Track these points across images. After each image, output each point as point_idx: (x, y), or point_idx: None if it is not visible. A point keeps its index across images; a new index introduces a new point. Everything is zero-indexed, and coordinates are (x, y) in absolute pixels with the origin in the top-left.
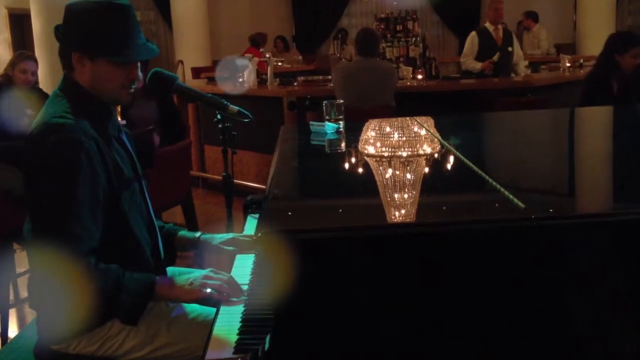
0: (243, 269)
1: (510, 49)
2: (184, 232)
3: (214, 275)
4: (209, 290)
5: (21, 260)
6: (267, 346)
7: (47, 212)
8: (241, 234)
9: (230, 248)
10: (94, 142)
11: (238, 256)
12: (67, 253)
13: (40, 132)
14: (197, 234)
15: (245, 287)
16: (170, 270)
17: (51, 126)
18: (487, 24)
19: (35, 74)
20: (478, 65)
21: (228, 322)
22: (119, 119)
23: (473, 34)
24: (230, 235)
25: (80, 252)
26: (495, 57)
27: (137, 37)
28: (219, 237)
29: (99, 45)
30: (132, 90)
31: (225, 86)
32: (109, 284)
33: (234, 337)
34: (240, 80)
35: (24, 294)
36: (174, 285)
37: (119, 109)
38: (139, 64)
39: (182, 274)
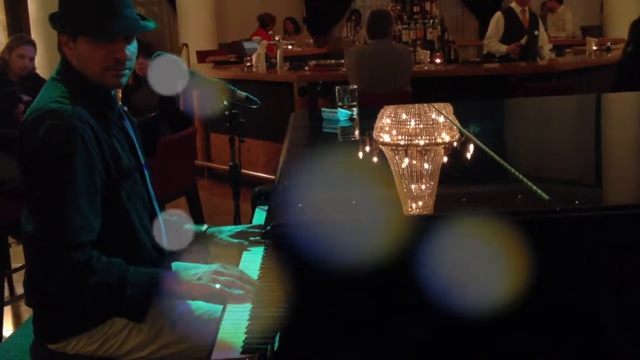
0: (251, 264)
1: (536, 32)
2: (189, 225)
3: (224, 270)
4: (218, 286)
5: (17, 254)
6: (276, 346)
7: (43, 201)
8: (249, 226)
9: (238, 241)
10: (90, 128)
11: (245, 252)
12: (67, 245)
13: (34, 118)
14: (204, 227)
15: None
16: (175, 265)
17: (46, 112)
18: (514, 5)
19: (33, 59)
20: (503, 48)
21: (235, 320)
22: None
23: (498, 14)
24: (239, 227)
25: (81, 244)
26: (523, 41)
27: (122, 12)
28: (227, 230)
29: (77, 22)
30: (124, 73)
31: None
32: (113, 278)
33: (241, 336)
34: (249, 64)
35: (19, 290)
36: (182, 280)
37: (120, 94)
38: (127, 43)
39: (188, 269)
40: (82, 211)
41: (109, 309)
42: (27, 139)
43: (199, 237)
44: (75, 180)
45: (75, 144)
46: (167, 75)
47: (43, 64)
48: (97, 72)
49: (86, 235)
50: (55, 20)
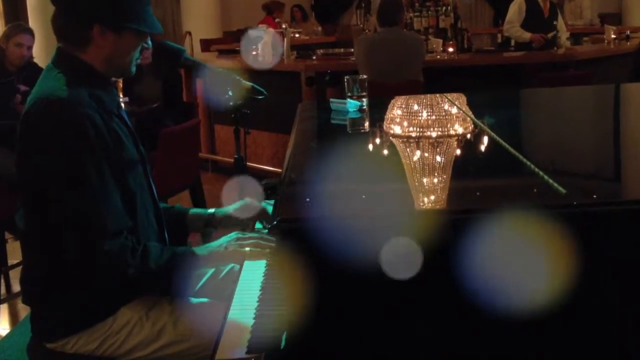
0: (256, 261)
1: (555, 22)
2: (195, 210)
3: (244, 235)
4: (248, 249)
5: (14, 251)
6: (282, 345)
7: (64, 194)
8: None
9: (248, 214)
10: (98, 114)
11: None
12: (97, 236)
13: (39, 109)
14: (212, 210)
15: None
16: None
17: (52, 101)
18: None
19: (31, 48)
20: (526, 35)
21: (241, 319)
22: (121, 95)
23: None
24: (243, 201)
25: (117, 232)
26: (550, 35)
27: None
28: (232, 207)
29: (129, 16)
30: (139, 62)
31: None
32: (155, 260)
33: (246, 335)
34: (254, 53)
35: (16, 287)
36: (211, 252)
37: (120, 84)
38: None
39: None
40: (97, 197)
41: (149, 291)
42: (33, 131)
43: (208, 220)
44: (93, 167)
45: (87, 130)
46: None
47: (41, 52)
48: (128, 62)
49: (116, 223)
50: (88, 11)
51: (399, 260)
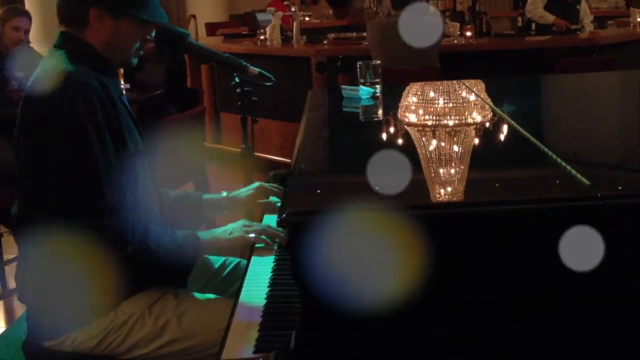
0: (263, 256)
1: (578, 6)
2: (208, 195)
3: (250, 223)
4: (252, 235)
5: (10, 245)
6: (293, 344)
7: (67, 165)
8: (269, 184)
9: (260, 201)
10: (102, 89)
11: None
12: (97, 209)
13: (42, 83)
14: (224, 193)
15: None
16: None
17: (54, 75)
18: None
19: (28, 31)
20: (550, 18)
21: (248, 316)
22: (122, 82)
23: None
24: (257, 184)
25: (112, 209)
26: (574, 27)
27: None
28: (245, 190)
29: (129, 1)
30: (141, 53)
31: None
32: (155, 241)
33: (254, 334)
34: (262, 38)
35: (12, 284)
36: (217, 238)
37: (121, 70)
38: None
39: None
40: (112, 174)
41: (148, 275)
42: (36, 104)
43: (221, 202)
44: (100, 139)
45: (92, 100)
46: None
47: (38, 36)
48: (130, 51)
49: (121, 200)
50: None
51: (416, 257)
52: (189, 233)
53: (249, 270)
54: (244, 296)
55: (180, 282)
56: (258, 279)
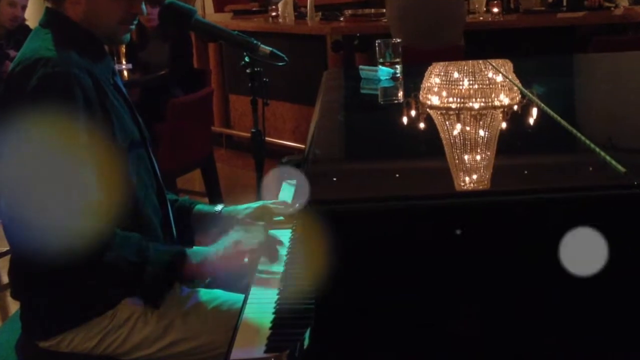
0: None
1: None
2: (201, 206)
3: (245, 234)
4: (247, 260)
5: (2, 237)
6: (306, 343)
7: (42, 161)
8: (272, 202)
9: (260, 223)
10: (90, 77)
11: (270, 232)
12: (77, 213)
13: (22, 69)
14: (218, 207)
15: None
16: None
17: (36, 60)
18: None
19: (25, 7)
20: None
21: (259, 313)
22: (124, 61)
23: None
24: (259, 203)
25: (93, 211)
26: (609, 4)
27: None
28: (244, 209)
29: None
30: (133, 28)
31: None
32: (131, 254)
33: (265, 332)
34: (274, 14)
35: (4, 279)
36: (205, 261)
37: (123, 49)
38: None
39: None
40: (90, 171)
41: (123, 290)
42: (15, 94)
43: (213, 219)
44: (78, 134)
45: (74, 92)
46: None
47: (34, 14)
48: (112, 26)
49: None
50: None
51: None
52: (175, 250)
53: (259, 264)
54: (254, 292)
55: (154, 301)
56: None
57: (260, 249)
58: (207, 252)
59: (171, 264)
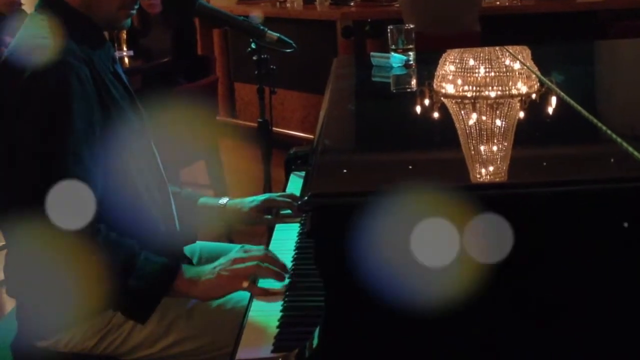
0: (283, 242)
1: None
2: (205, 199)
3: (245, 255)
4: (246, 284)
5: None
6: (315, 342)
7: (35, 151)
8: (279, 194)
9: (267, 217)
10: (87, 66)
11: (279, 226)
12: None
13: (17, 58)
14: (223, 200)
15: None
16: (188, 249)
17: (31, 48)
18: None
19: None
20: None
21: (266, 311)
22: (125, 48)
23: None
24: (265, 196)
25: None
26: None
27: None
28: (250, 202)
29: None
30: (134, 13)
31: None
32: (117, 262)
33: (272, 331)
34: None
35: (1, 274)
36: (198, 280)
37: (124, 35)
38: None
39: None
40: (84, 162)
41: (104, 300)
42: (9, 83)
43: (218, 213)
44: (73, 124)
45: (70, 82)
46: None
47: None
48: (112, 11)
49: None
50: None
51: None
52: (167, 266)
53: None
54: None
55: (137, 316)
56: None
57: (261, 270)
58: (202, 270)
59: (159, 282)
